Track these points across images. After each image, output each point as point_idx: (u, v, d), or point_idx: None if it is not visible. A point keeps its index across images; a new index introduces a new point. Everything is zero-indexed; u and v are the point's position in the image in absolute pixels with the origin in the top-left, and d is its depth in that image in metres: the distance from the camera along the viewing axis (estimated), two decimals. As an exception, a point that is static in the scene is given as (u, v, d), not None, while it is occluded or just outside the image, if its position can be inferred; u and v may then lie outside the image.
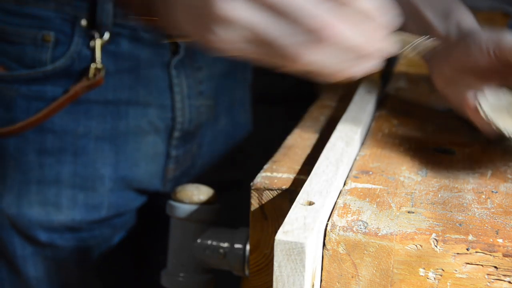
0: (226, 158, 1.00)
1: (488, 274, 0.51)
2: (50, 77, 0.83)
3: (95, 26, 0.82)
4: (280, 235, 0.48)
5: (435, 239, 0.51)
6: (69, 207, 0.86)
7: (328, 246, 0.52)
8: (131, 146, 0.88)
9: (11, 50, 0.82)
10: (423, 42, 0.64)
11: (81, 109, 0.84)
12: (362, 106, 0.75)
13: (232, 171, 1.02)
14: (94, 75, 0.82)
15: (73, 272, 0.90)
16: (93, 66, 0.82)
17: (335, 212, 0.55)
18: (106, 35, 0.82)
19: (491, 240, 0.51)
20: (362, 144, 0.71)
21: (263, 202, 0.61)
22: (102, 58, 0.83)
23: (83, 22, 0.82)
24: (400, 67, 0.99)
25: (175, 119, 0.89)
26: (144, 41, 0.85)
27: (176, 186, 0.77)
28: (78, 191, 0.86)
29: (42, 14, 0.81)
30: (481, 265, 0.51)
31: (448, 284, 0.51)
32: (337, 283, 0.53)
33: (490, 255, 0.50)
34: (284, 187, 0.61)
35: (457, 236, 0.51)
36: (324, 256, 0.53)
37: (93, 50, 0.82)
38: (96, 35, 0.82)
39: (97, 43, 0.82)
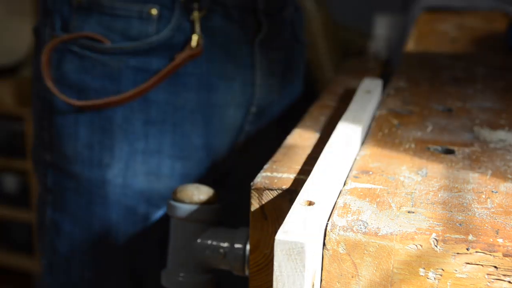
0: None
1: (488, 274, 0.51)
2: (155, 49, 0.88)
3: (194, 0, 0.88)
4: (280, 235, 0.48)
5: (435, 239, 0.51)
6: (168, 176, 0.91)
7: (328, 246, 0.52)
8: (217, 118, 0.93)
9: (117, 24, 0.88)
10: None
11: (180, 81, 0.89)
12: (362, 106, 0.75)
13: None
14: (197, 44, 0.88)
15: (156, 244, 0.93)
16: (194, 37, 0.88)
17: (335, 212, 0.55)
18: (203, 10, 0.88)
19: (491, 240, 0.51)
20: (362, 144, 0.71)
21: (263, 202, 0.61)
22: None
23: None
24: (400, 67, 0.99)
25: (254, 95, 0.95)
26: (233, 18, 0.91)
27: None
28: (176, 160, 0.91)
29: None
30: (481, 265, 0.51)
31: (448, 284, 0.51)
32: (337, 283, 0.53)
33: (490, 255, 0.50)
34: (284, 187, 0.61)
35: (457, 236, 0.51)
36: (324, 256, 0.53)
37: (192, 22, 0.88)
38: (195, 8, 0.88)
39: (195, 16, 0.88)
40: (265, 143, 0.96)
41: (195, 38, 0.88)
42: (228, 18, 0.91)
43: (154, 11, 0.87)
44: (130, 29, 0.88)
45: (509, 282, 0.51)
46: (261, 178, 0.62)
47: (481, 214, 0.55)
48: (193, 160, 0.92)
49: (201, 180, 0.92)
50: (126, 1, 0.87)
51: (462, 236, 0.51)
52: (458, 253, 0.51)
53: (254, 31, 0.94)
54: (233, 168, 0.99)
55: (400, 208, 0.56)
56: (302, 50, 1.07)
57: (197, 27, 0.88)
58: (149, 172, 0.90)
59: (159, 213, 0.92)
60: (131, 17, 0.87)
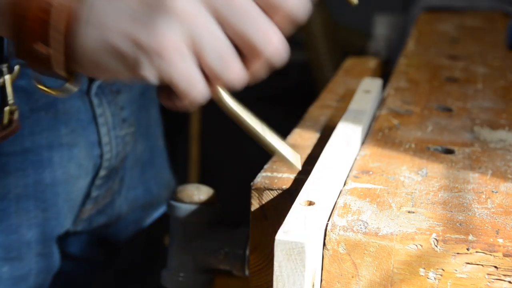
0: (146, 191, 0.90)
1: (488, 274, 0.51)
2: None
3: (2, 59, 0.65)
4: (280, 235, 0.48)
5: (435, 239, 0.51)
6: None
7: (328, 246, 0.52)
8: (61, 198, 0.74)
9: None
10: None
11: None
12: (362, 106, 0.75)
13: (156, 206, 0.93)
14: (10, 121, 0.65)
15: None
16: (6, 109, 0.64)
17: (335, 212, 0.55)
18: (16, 68, 0.65)
19: (491, 240, 0.51)
20: (362, 144, 0.71)
21: (263, 202, 0.61)
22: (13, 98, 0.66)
23: None
24: (400, 67, 0.99)
25: (103, 156, 0.77)
26: None
27: (92, 223, 0.75)
28: (2, 264, 0.71)
29: None
30: (481, 265, 0.51)
31: (448, 284, 0.51)
32: (337, 283, 0.53)
33: (490, 255, 0.50)
34: (284, 187, 0.61)
35: (457, 236, 0.51)
36: (324, 256, 0.53)
37: (2, 89, 0.65)
38: (5, 69, 0.64)
39: (7, 80, 0.64)
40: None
41: (6, 111, 0.64)
42: None
43: None
44: None
45: (510, 282, 0.50)
46: (261, 178, 0.62)
47: (481, 214, 0.55)
48: (26, 259, 0.73)
49: (46, 273, 0.75)
50: None
51: (462, 236, 0.51)
52: (458, 253, 0.51)
53: (88, 77, 0.73)
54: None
55: (400, 208, 0.56)
56: None
57: (10, 95, 0.64)
58: None
59: None
60: None
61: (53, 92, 0.51)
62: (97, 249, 0.88)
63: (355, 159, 0.66)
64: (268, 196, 0.60)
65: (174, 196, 0.71)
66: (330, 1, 2.16)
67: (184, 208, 0.70)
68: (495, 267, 0.50)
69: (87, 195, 0.78)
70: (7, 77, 0.65)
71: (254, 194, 0.61)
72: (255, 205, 0.61)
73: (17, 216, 0.71)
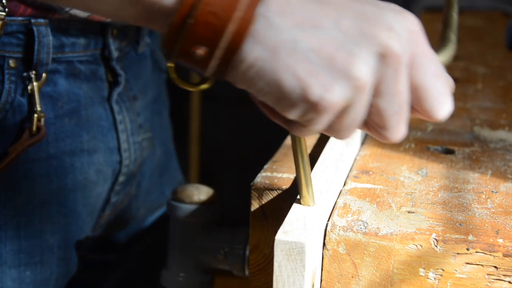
0: (161, 194, 0.90)
1: (488, 274, 0.51)
2: None
3: (31, 66, 0.67)
4: (280, 235, 0.48)
5: (435, 239, 0.51)
6: None
7: (328, 246, 0.52)
8: (80, 203, 0.74)
9: None
10: None
11: (20, 171, 0.69)
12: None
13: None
14: (38, 128, 0.67)
15: None
16: (35, 117, 0.67)
17: (335, 212, 0.55)
18: (43, 75, 0.67)
19: (491, 240, 0.51)
20: (362, 144, 0.71)
21: (263, 202, 0.61)
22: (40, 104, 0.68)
23: (12, 63, 0.66)
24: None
25: (122, 162, 0.77)
26: (80, 75, 0.72)
27: (110, 228, 0.75)
28: (24, 269, 0.71)
29: None
30: (481, 265, 0.51)
31: (448, 284, 0.51)
32: (337, 283, 0.53)
33: (490, 255, 0.50)
34: (284, 187, 0.61)
35: (457, 236, 0.51)
36: (324, 256, 0.53)
37: (30, 96, 0.67)
38: (33, 76, 0.67)
39: (35, 87, 0.67)
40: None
41: (35, 119, 0.66)
42: (73, 77, 0.71)
43: None
44: None
45: (509, 282, 0.51)
46: (261, 178, 0.62)
47: (481, 214, 0.55)
48: (48, 264, 0.73)
49: (66, 276, 0.75)
50: None
51: (462, 236, 0.51)
52: (458, 253, 0.51)
53: (109, 84, 0.75)
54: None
55: (400, 208, 0.56)
56: (163, 77, 0.90)
57: (37, 102, 0.67)
58: None
59: None
60: None
61: (190, 88, 0.48)
62: (110, 251, 0.88)
63: (355, 159, 0.66)
64: (268, 196, 0.60)
65: (174, 196, 0.71)
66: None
67: (184, 208, 0.70)
68: (495, 267, 0.50)
69: (107, 201, 0.78)
70: (35, 84, 0.66)
71: (254, 194, 0.61)
72: (255, 205, 0.61)
73: (41, 221, 0.71)
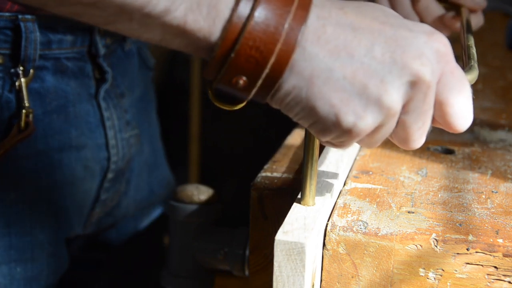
0: (151, 191, 0.90)
1: (488, 274, 0.51)
2: None
3: (18, 62, 0.67)
4: (280, 235, 0.48)
5: (435, 239, 0.51)
6: (6, 285, 0.72)
7: (328, 246, 0.52)
8: (68, 200, 0.75)
9: None
10: None
11: (10, 168, 0.69)
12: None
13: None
14: (26, 123, 0.67)
15: None
16: (23, 112, 0.67)
17: (335, 212, 0.55)
18: (31, 71, 0.68)
19: (491, 240, 0.51)
20: (362, 144, 0.71)
21: (263, 202, 0.61)
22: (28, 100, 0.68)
23: (0, 59, 0.67)
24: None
25: (110, 158, 0.78)
26: (67, 72, 0.72)
27: (100, 226, 0.75)
28: (15, 265, 0.71)
29: None
30: (481, 265, 0.51)
31: (448, 284, 0.51)
32: (337, 283, 0.53)
33: (490, 255, 0.50)
34: (284, 187, 0.61)
35: (457, 236, 0.51)
36: (324, 256, 0.53)
37: (18, 92, 0.67)
38: (20, 72, 0.67)
39: (23, 82, 0.67)
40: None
41: (23, 115, 0.67)
42: (61, 74, 0.71)
43: None
44: None
45: (509, 282, 0.50)
46: (261, 178, 0.62)
47: (481, 214, 0.55)
48: (39, 260, 0.73)
49: (56, 272, 0.76)
50: None
51: (462, 236, 0.51)
52: (458, 253, 0.51)
53: (96, 81, 0.75)
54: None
55: (400, 208, 0.56)
56: (150, 75, 0.90)
57: (25, 98, 0.67)
58: None
59: None
60: None
61: (226, 108, 0.50)
62: (100, 249, 0.88)
63: (355, 159, 0.66)
64: (268, 196, 0.60)
65: (174, 196, 0.71)
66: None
67: (184, 208, 0.70)
68: (495, 267, 0.50)
69: (96, 198, 0.78)
70: (23, 80, 0.67)
71: (254, 194, 0.61)
72: (255, 205, 0.61)
73: (30, 218, 0.71)
